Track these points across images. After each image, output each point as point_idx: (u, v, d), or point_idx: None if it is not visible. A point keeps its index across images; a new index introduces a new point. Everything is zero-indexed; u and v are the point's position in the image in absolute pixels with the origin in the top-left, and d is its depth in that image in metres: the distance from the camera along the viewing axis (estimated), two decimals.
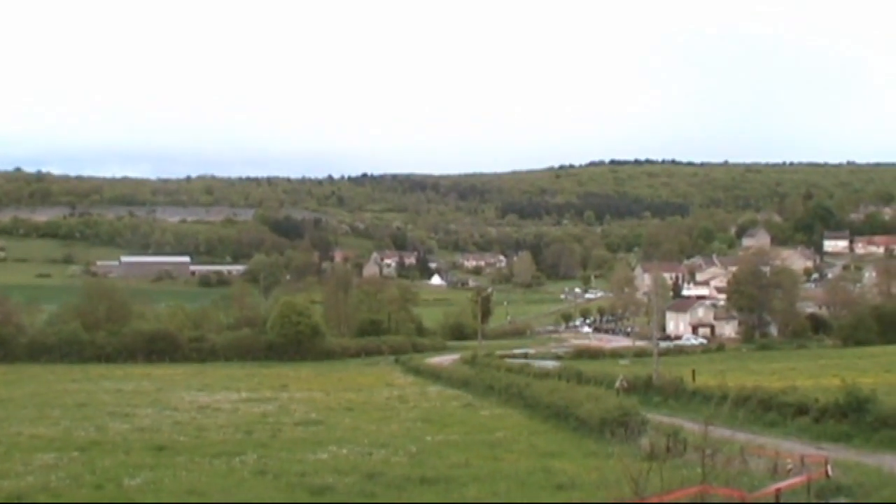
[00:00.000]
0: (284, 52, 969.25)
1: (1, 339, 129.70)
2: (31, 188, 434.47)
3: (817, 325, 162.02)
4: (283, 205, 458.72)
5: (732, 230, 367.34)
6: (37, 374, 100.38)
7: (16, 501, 24.46)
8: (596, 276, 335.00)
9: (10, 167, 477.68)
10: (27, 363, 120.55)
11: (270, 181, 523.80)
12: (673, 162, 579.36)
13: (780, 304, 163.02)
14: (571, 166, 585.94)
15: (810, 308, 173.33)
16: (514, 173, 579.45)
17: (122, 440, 39.76)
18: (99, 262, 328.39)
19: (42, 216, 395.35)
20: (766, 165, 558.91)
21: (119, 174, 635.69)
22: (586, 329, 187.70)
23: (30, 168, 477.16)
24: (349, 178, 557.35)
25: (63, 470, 30.21)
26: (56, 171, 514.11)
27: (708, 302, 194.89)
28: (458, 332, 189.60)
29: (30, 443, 38.73)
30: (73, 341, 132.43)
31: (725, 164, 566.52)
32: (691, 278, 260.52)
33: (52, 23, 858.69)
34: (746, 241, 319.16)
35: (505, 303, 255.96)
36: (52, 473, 29.28)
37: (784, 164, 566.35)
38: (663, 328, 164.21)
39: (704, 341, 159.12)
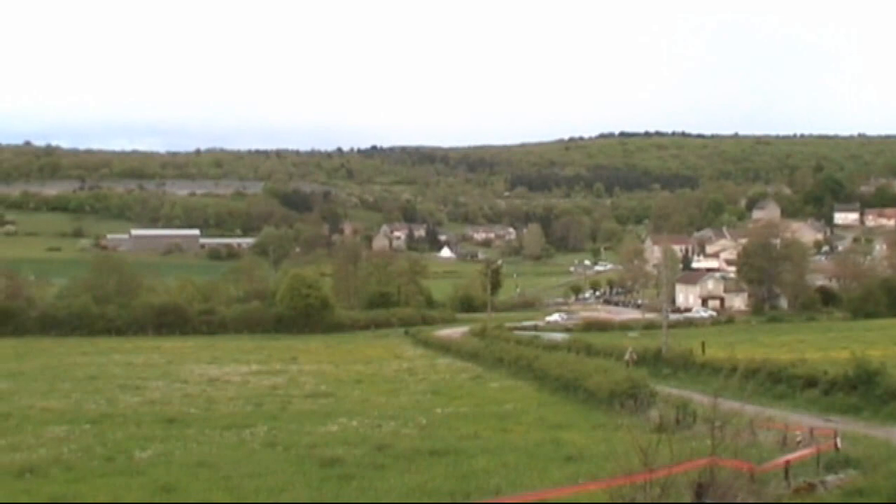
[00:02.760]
0: (293, 24, 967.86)
1: (12, 313, 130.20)
2: (41, 162, 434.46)
3: (827, 298, 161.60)
4: (293, 178, 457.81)
5: (742, 202, 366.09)
6: (47, 347, 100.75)
7: (28, 473, 24.60)
8: (605, 249, 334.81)
9: (19, 141, 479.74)
10: (38, 336, 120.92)
11: (279, 154, 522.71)
12: (683, 134, 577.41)
13: (789, 277, 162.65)
14: (581, 138, 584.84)
15: (820, 280, 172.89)
16: (523, 145, 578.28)
17: (132, 413, 39.95)
18: (109, 236, 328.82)
19: (52, 190, 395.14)
20: (777, 137, 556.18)
21: (128, 148, 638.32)
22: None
23: (39, 142, 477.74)
24: (358, 151, 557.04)
25: (74, 442, 30.41)
26: (65, 144, 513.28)
27: (718, 274, 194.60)
28: (468, 305, 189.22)
29: (41, 415, 38.93)
30: (84, 315, 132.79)
31: (735, 136, 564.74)
32: (701, 251, 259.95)
33: None
34: (756, 214, 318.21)
35: (514, 275, 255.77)
36: (63, 446, 29.47)
37: (794, 136, 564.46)
38: (673, 301, 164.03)
39: (714, 314, 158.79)
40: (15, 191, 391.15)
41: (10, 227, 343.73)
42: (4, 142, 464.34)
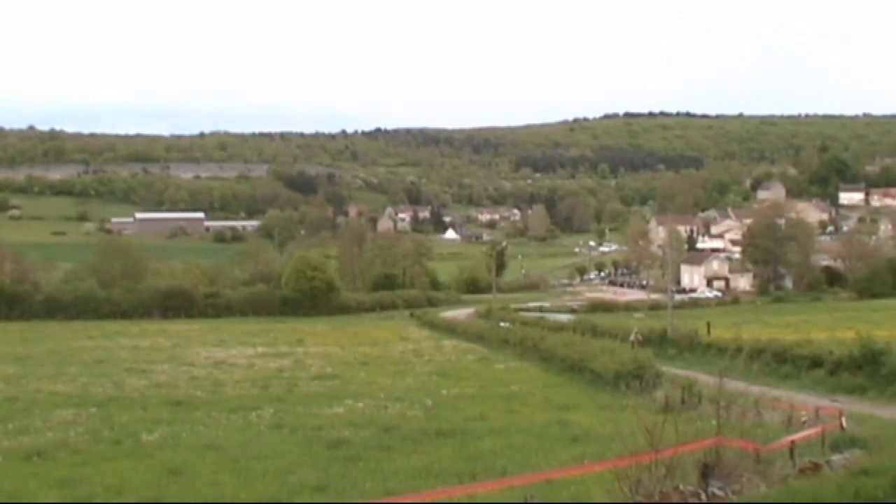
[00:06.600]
0: (296, 6, 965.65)
1: (18, 297, 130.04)
2: (45, 146, 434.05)
3: (832, 278, 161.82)
4: (297, 160, 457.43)
5: (747, 183, 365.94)
6: (54, 331, 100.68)
7: (36, 456, 24.70)
8: (610, 230, 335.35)
9: (23, 125, 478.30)
10: (44, 321, 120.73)
11: (284, 136, 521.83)
12: (687, 114, 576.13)
13: (795, 257, 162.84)
14: (586, 119, 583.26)
15: (825, 261, 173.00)
16: (528, 127, 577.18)
17: (139, 396, 39.94)
18: (114, 220, 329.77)
19: (56, 174, 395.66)
20: (782, 117, 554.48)
21: (133, 131, 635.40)
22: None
23: (43, 126, 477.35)
24: (362, 133, 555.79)
25: (82, 426, 30.43)
26: (69, 128, 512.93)
27: (723, 255, 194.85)
28: (473, 286, 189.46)
29: (49, 399, 38.93)
30: (90, 298, 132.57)
31: (740, 116, 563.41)
32: (706, 231, 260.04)
33: None
34: (761, 194, 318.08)
35: (519, 256, 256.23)
36: (70, 429, 29.50)
37: (799, 116, 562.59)
38: (678, 281, 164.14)
39: (719, 294, 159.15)
40: (19, 175, 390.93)
41: (14, 212, 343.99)
42: (8, 126, 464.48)
